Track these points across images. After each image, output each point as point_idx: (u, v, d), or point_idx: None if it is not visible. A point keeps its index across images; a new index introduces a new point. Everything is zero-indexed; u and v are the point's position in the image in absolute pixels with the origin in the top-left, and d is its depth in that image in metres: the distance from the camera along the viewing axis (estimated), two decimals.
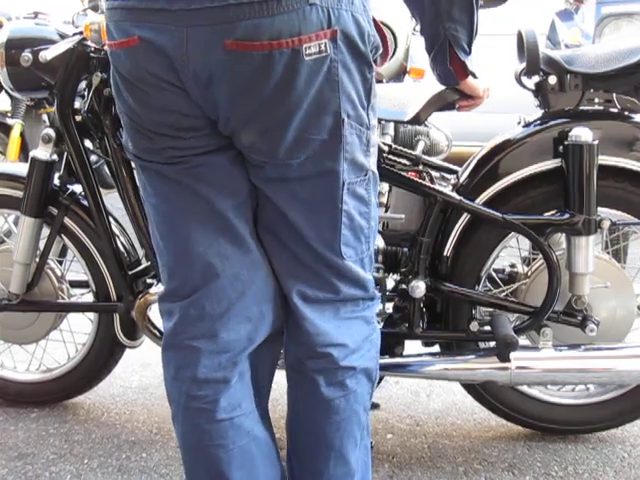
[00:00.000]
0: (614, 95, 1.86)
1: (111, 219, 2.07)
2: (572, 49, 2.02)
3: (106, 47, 1.82)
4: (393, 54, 3.63)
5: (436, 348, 2.03)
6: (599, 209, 1.82)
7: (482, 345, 1.99)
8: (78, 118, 1.97)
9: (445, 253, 1.91)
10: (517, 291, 2.00)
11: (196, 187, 1.25)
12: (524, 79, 1.91)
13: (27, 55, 1.94)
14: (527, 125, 1.90)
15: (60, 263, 2.26)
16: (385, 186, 2.05)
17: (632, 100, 1.86)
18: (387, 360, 1.90)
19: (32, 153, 2.03)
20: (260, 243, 1.33)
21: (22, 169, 2.12)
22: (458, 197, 1.85)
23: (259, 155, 1.22)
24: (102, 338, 2.16)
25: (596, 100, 1.87)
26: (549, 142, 1.84)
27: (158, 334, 2.02)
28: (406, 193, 1.95)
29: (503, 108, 3.14)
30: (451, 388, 2.36)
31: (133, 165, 1.94)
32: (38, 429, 2.17)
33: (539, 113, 1.91)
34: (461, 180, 1.93)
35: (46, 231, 2.12)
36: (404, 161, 1.96)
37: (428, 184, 1.88)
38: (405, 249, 1.95)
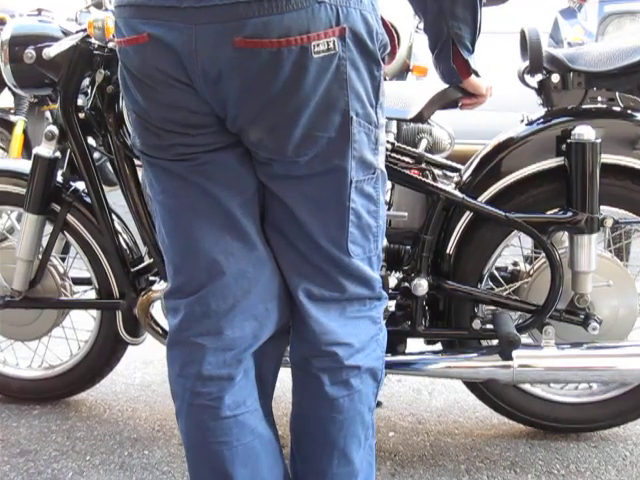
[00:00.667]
0: (617, 93, 1.86)
1: (114, 216, 2.07)
2: (575, 47, 2.02)
3: (112, 44, 1.86)
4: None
5: (438, 346, 2.03)
6: (602, 207, 1.82)
7: (484, 343, 1.99)
8: (81, 115, 1.97)
9: (448, 251, 1.90)
10: (519, 289, 2.00)
11: (203, 184, 1.25)
12: (527, 77, 1.91)
13: (30, 52, 1.94)
14: (530, 123, 1.90)
15: (63, 260, 2.26)
16: (388, 184, 2.05)
17: (635, 98, 1.86)
18: (389, 358, 1.89)
19: (35, 150, 2.03)
20: (267, 241, 1.33)
21: (25, 166, 2.13)
22: (461, 195, 1.85)
23: (267, 152, 1.22)
24: (104, 335, 2.16)
25: (599, 98, 1.87)
26: (552, 140, 1.84)
27: (160, 331, 2.02)
28: (409, 191, 1.95)
29: (505, 106, 3.13)
30: (453, 386, 2.36)
31: (138, 162, 1.96)
32: (40, 426, 2.17)
33: (542, 111, 1.91)
34: (464, 178, 1.93)
35: (49, 228, 2.12)
36: (407, 159, 1.96)
37: (431, 182, 1.88)
38: (408, 247, 1.95)
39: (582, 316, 1.91)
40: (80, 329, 2.25)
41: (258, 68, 1.11)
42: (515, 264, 2.06)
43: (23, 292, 2.12)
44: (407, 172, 1.89)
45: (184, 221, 1.27)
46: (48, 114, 4.40)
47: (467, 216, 1.89)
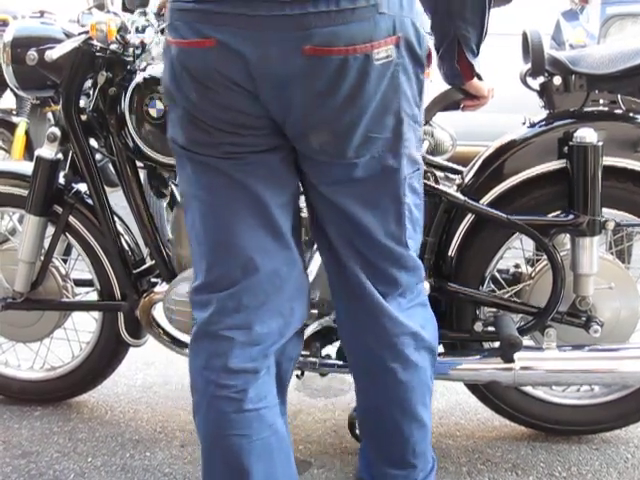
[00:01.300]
0: (619, 96, 1.86)
1: (116, 218, 2.07)
2: (577, 50, 2.02)
3: (115, 46, 1.86)
4: None
5: (440, 348, 2.02)
6: (603, 210, 1.82)
7: (486, 345, 1.99)
8: (83, 117, 1.98)
9: (449, 253, 1.90)
10: (521, 292, 1.99)
11: (246, 182, 1.29)
12: (529, 80, 1.91)
13: (33, 54, 1.95)
14: (532, 126, 1.90)
15: (64, 262, 2.27)
16: None
17: (636, 101, 1.86)
18: None
19: (37, 152, 2.04)
20: (318, 243, 1.43)
21: (27, 168, 2.13)
22: (462, 197, 1.85)
23: (327, 156, 1.28)
24: (106, 337, 2.16)
25: (601, 101, 1.87)
26: (554, 143, 1.84)
27: (162, 333, 2.02)
28: None
29: (507, 108, 3.13)
30: (455, 388, 2.36)
31: (139, 164, 1.96)
32: (42, 427, 2.17)
33: (544, 114, 1.91)
34: (466, 180, 1.93)
35: (51, 230, 2.12)
36: None
37: (433, 184, 1.87)
38: None
39: (584, 318, 1.91)
40: (82, 330, 2.25)
41: (326, 75, 1.18)
42: (517, 266, 2.06)
43: (25, 294, 2.12)
44: None
45: (223, 218, 1.30)
46: (50, 115, 4.40)
47: (469, 218, 1.89)
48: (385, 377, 1.47)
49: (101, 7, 1.96)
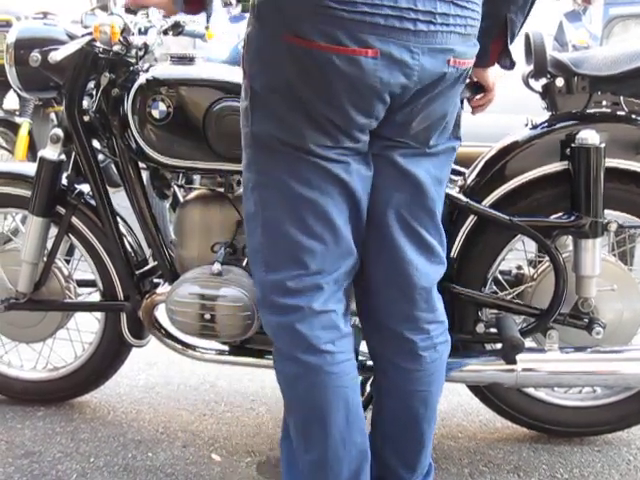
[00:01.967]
0: (621, 98, 1.86)
1: (118, 219, 2.07)
2: (580, 51, 2.02)
3: (118, 47, 1.86)
4: None
5: None
6: (605, 211, 1.82)
7: (488, 347, 1.99)
8: (86, 118, 1.98)
9: (451, 255, 1.90)
10: (523, 293, 1.99)
11: (348, 181, 1.38)
12: (531, 81, 1.91)
13: (36, 55, 1.95)
14: (534, 127, 1.90)
15: (67, 262, 2.27)
16: None
17: (639, 103, 1.86)
18: None
19: (40, 153, 2.04)
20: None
21: (30, 168, 2.13)
22: (465, 199, 1.86)
23: (414, 146, 1.44)
24: (109, 337, 2.16)
25: (603, 102, 1.87)
26: (556, 144, 1.84)
27: (164, 333, 2.02)
28: None
29: (509, 109, 3.12)
30: (457, 389, 2.36)
31: (142, 165, 1.96)
32: (45, 427, 2.17)
33: (546, 115, 1.91)
34: (468, 182, 1.93)
35: (54, 230, 2.12)
36: None
37: None
38: None
39: (586, 320, 1.91)
40: (84, 331, 2.25)
41: (452, 81, 1.38)
42: (519, 268, 2.06)
43: (28, 294, 2.13)
44: None
45: (331, 215, 1.38)
46: (53, 116, 4.40)
47: (471, 220, 1.89)
48: (409, 355, 1.54)
49: (104, 8, 1.96)
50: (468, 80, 1.61)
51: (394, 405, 1.59)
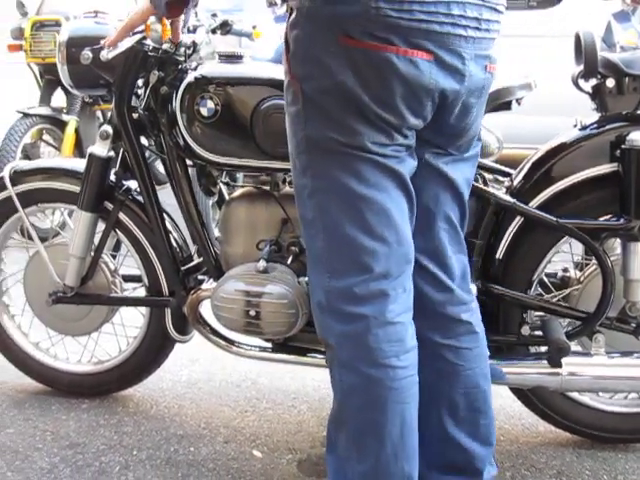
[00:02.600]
0: None
1: (165, 215, 2.09)
2: (631, 52, 1.99)
3: (167, 45, 1.88)
4: None
5: None
6: None
7: (532, 350, 1.97)
8: (135, 115, 2.00)
9: (497, 256, 1.89)
10: (569, 296, 1.97)
11: (404, 180, 1.40)
12: (581, 82, 1.88)
13: (87, 53, 1.98)
14: (583, 128, 1.88)
15: (113, 257, 2.29)
16: None
17: None
18: None
19: (90, 149, 2.07)
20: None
21: (79, 164, 2.17)
22: (512, 200, 1.84)
23: (453, 151, 1.49)
24: (153, 332, 2.19)
25: None
26: (606, 146, 1.81)
27: (209, 330, 2.04)
28: None
29: (557, 110, 3.09)
30: (499, 392, 2.33)
31: (189, 162, 1.98)
32: (89, 419, 2.21)
33: (596, 116, 1.89)
34: (515, 183, 1.91)
35: (101, 226, 2.16)
36: None
37: (481, 186, 1.87)
38: None
39: (633, 325, 1.89)
40: (129, 326, 2.28)
41: (488, 86, 1.45)
42: (565, 270, 2.03)
43: (75, 288, 2.16)
44: None
45: (391, 212, 1.39)
46: (99, 114, 4.48)
47: (518, 221, 1.87)
48: (473, 342, 1.59)
49: None
50: None
51: (464, 387, 1.59)
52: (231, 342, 2.04)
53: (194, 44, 2.02)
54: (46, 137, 4.23)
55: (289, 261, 1.92)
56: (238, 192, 2.01)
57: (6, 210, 2.22)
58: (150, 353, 2.23)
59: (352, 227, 1.38)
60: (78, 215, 2.09)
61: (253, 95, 1.84)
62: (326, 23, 1.29)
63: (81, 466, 1.97)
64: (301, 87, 1.35)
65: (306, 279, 1.87)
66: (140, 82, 2.02)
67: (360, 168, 1.36)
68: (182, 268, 2.09)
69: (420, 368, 1.47)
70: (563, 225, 1.81)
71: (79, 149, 4.15)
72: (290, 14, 1.36)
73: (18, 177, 2.19)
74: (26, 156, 3.92)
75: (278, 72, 1.89)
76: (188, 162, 2.02)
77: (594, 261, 1.88)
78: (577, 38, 1.86)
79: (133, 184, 2.12)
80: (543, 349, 1.90)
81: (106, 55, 1.84)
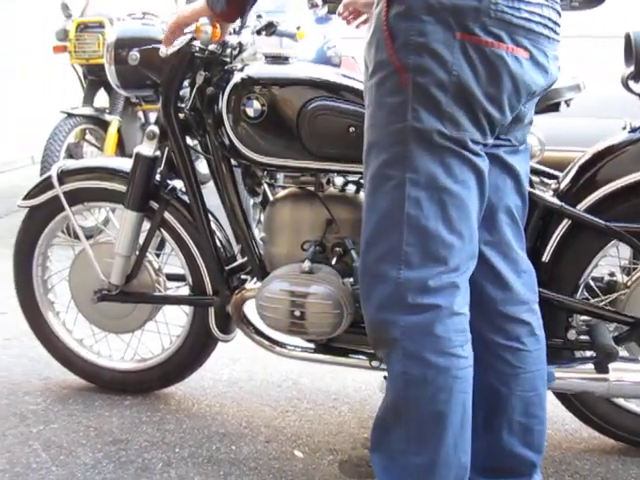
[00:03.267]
0: None
1: (209, 215, 2.11)
2: None
3: (213, 46, 1.89)
4: None
5: None
6: None
7: (577, 354, 1.95)
8: (181, 116, 2.02)
9: (543, 259, 1.87)
10: (616, 301, 1.94)
11: (484, 178, 1.44)
12: (631, 83, 1.86)
13: (135, 54, 2.00)
14: (633, 130, 1.85)
15: (157, 256, 2.31)
16: None
17: None
18: None
19: (136, 149, 2.09)
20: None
21: (123, 164, 2.19)
22: (559, 202, 1.83)
23: (514, 144, 1.54)
24: (196, 331, 2.20)
25: None
26: None
27: (252, 330, 2.05)
28: None
29: (607, 112, 3.05)
30: None
31: (234, 162, 1.99)
32: (132, 416, 2.23)
33: None
34: (562, 185, 1.89)
35: (146, 225, 2.17)
36: None
37: (529, 188, 1.84)
38: None
39: None
40: (172, 324, 2.30)
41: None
42: (612, 275, 2.01)
43: (120, 286, 2.18)
44: None
45: (469, 209, 1.43)
46: (141, 114, 4.53)
47: (565, 224, 1.85)
48: (535, 343, 1.61)
49: None
50: None
51: (522, 390, 1.60)
52: (274, 342, 2.05)
53: (240, 45, 2.03)
54: (89, 137, 4.30)
55: (333, 262, 1.92)
56: (283, 192, 2.02)
57: (53, 208, 2.25)
58: (193, 352, 2.24)
59: (436, 220, 1.40)
60: (124, 214, 2.12)
61: (300, 96, 1.84)
62: (446, 16, 1.32)
63: (124, 462, 1.99)
64: (411, 78, 1.36)
65: (351, 280, 1.87)
66: (186, 82, 2.03)
67: (452, 163, 1.39)
68: (226, 268, 2.10)
69: (479, 369, 1.48)
70: (612, 228, 1.79)
71: (121, 149, 4.20)
72: (389, 4, 1.36)
73: (65, 176, 2.21)
74: (70, 155, 3.99)
75: (324, 73, 1.91)
76: (233, 162, 2.03)
77: None
78: (627, 38, 1.83)
79: (178, 184, 2.13)
80: (588, 354, 1.87)
81: (165, 52, 1.86)
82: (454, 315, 1.43)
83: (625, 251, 1.96)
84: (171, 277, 2.30)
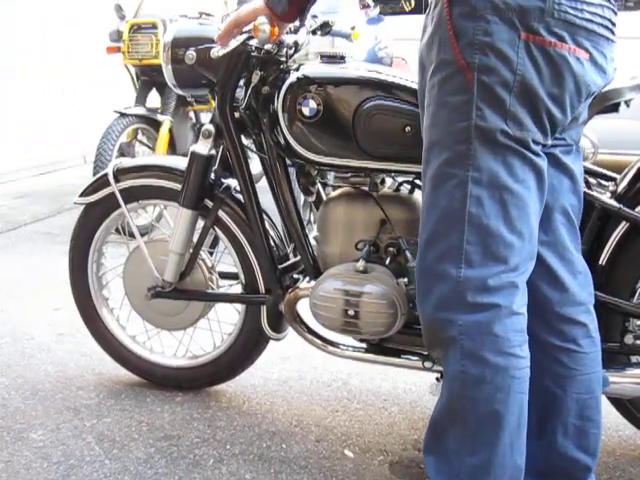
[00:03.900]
0: None
1: (263, 213, 2.12)
2: None
3: (269, 46, 1.90)
4: None
5: None
6: None
7: (634, 359, 1.91)
8: (236, 115, 2.03)
9: (600, 262, 1.84)
10: None
11: (543, 178, 1.45)
12: None
13: (191, 53, 2.01)
14: None
15: (210, 254, 2.33)
16: None
17: None
18: None
19: (192, 148, 2.11)
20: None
21: (178, 162, 2.22)
22: (617, 204, 1.79)
23: (570, 143, 1.55)
24: (248, 329, 2.21)
25: None
26: None
27: (305, 329, 2.05)
28: None
29: None
30: None
31: (288, 161, 2.00)
32: (183, 413, 2.25)
33: None
34: (620, 187, 1.86)
35: (200, 223, 2.19)
36: None
37: (586, 189, 1.82)
38: None
39: None
40: (224, 322, 2.31)
41: None
42: None
43: (173, 283, 2.21)
44: None
45: (529, 209, 1.43)
46: (192, 114, 4.57)
47: (623, 227, 1.82)
48: (591, 345, 1.59)
49: None
50: None
51: (578, 392, 1.59)
52: (327, 341, 2.05)
53: (296, 44, 2.04)
54: (141, 137, 4.35)
55: (387, 262, 1.92)
56: (336, 192, 2.02)
57: (109, 206, 2.28)
58: (244, 350, 2.26)
59: (497, 219, 1.40)
60: (179, 212, 2.14)
61: (356, 95, 1.84)
62: (511, 16, 1.33)
63: (176, 458, 2.01)
64: (476, 77, 1.36)
65: (405, 280, 1.87)
66: (241, 82, 2.04)
67: (515, 163, 1.39)
68: (279, 266, 2.11)
69: (534, 371, 1.47)
70: None
71: (172, 148, 4.25)
72: (451, 4, 1.36)
73: (120, 174, 2.25)
74: (122, 155, 4.04)
75: (380, 73, 1.90)
76: (287, 162, 2.04)
77: None
78: None
79: (232, 182, 2.15)
80: None
81: (216, 53, 1.88)
82: (513, 315, 1.43)
83: None
84: (224, 275, 2.31)
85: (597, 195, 1.82)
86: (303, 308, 2.04)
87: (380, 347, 1.99)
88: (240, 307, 2.24)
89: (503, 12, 1.32)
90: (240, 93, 2.04)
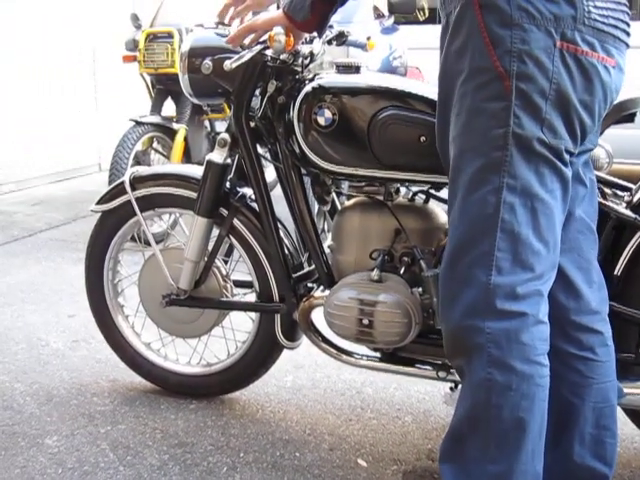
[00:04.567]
0: None
1: (278, 222, 2.12)
2: None
3: (285, 56, 1.91)
4: None
5: None
6: None
7: None
8: (252, 124, 2.04)
9: (615, 272, 1.84)
10: None
11: (569, 190, 1.46)
12: None
13: (208, 63, 2.03)
14: None
15: (225, 262, 2.34)
16: None
17: None
18: None
19: (208, 156, 2.12)
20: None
21: (194, 171, 2.23)
22: (633, 215, 1.79)
23: (589, 148, 1.57)
24: (262, 338, 2.22)
25: None
26: None
27: (319, 338, 2.06)
28: None
29: None
30: None
31: (304, 171, 2.00)
32: (197, 420, 2.26)
33: None
34: (636, 198, 1.86)
35: (215, 231, 2.20)
36: None
37: (601, 200, 1.82)
38: None
39: None
40: (239, 330, 2.32)
41: None
42: None
43: (188, 291, 2.22)
44: None
45: (555, 218, 1.44)
46: (207, 123, 4.60)
47: (638, 237, 1.82)
48: (606, 354, 1.60)
49: None
50: None
51: (594, 401, 1.59)
52: (341, 350, 2.05)
53: (311, 54, 2.05)
54: (156, 145, 4.37)
55: (402, 271, 1.92)
56: (351, 201, 2.02)
57: (125, 214, 2.30)
58: (258, 358, 2.27)
59: (527, 227, 1.40)
60: (194, 220, 2.15)
61: (371, 105, 1.85)
62: (547, 24, 1.34)
63: (190, 465, 2.02)
64: (514, 84, 1.36)
65: (419, 289, 1.87)
66: (257, 91, 2.05)
67: (545, 172, 1.40)
68: (293, 275, 2.11)
69: (552, 380, 1.47)
70: None
71: (187, 157, 4.27)
72: (483, 12, 1.37)
73: (137, 182, 2.26)
74: (137, 163, 4.06)
75: (396, 82, 1.91)
76: (302, 171, 2.05)
77: None
78: None
79: (248, 191, 2.16)
80: None
81: (229, 65, 1.88)
82: (539, 323, 1.44)
83: None
84: (238, 283, 2.32)
85: (613, 205, 1.82)
86: (317, 317, 2.05)
87: (394, 356, 1.99)
88: (254, 315, 2.25)
89: (539, 20, 1.34)
90: (256, 102, 2.05)
